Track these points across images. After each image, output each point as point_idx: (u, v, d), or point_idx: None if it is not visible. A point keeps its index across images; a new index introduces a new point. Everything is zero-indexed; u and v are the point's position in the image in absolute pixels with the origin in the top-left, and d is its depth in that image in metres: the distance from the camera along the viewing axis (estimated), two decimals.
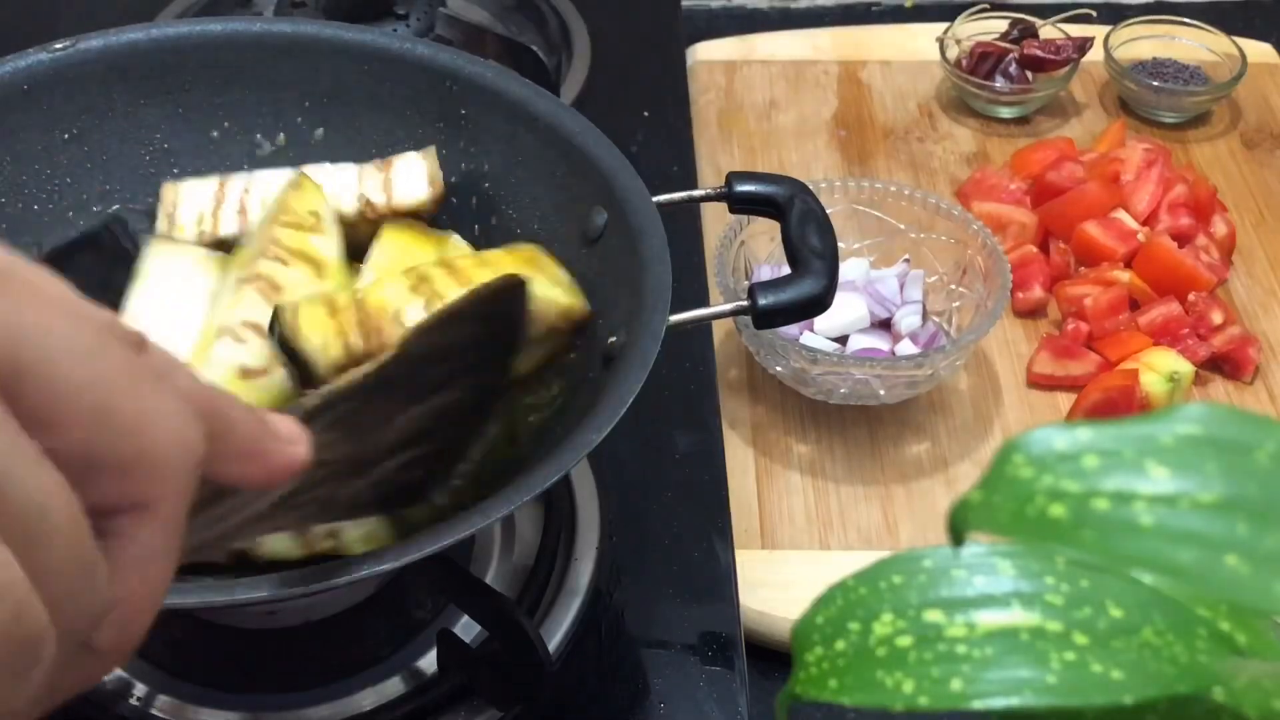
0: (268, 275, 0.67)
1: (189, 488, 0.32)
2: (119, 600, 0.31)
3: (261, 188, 0.74)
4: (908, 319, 0.97)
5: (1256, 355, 1.00)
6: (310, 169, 0.74)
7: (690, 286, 0.95)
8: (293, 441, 0.37)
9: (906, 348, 0.95)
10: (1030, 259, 1.05)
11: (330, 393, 0.46)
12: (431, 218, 0.75)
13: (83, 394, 0.29)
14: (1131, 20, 1.26)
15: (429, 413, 0.53)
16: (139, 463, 0.31)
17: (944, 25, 1.25)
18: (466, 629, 0.71)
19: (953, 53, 1.24)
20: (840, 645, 0.37)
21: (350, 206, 0.73)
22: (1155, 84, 1.21)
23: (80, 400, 0.29)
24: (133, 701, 0.69)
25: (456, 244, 0.74)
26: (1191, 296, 1.01)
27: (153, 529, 0.31)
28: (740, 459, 0.93)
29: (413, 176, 0.73)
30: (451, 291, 0.64)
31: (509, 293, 0.57)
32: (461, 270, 0.66)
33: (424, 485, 0.56)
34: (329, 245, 0.71)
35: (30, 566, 0.27)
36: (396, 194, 0.73)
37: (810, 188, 0.72)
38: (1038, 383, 0.99)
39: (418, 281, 0.65)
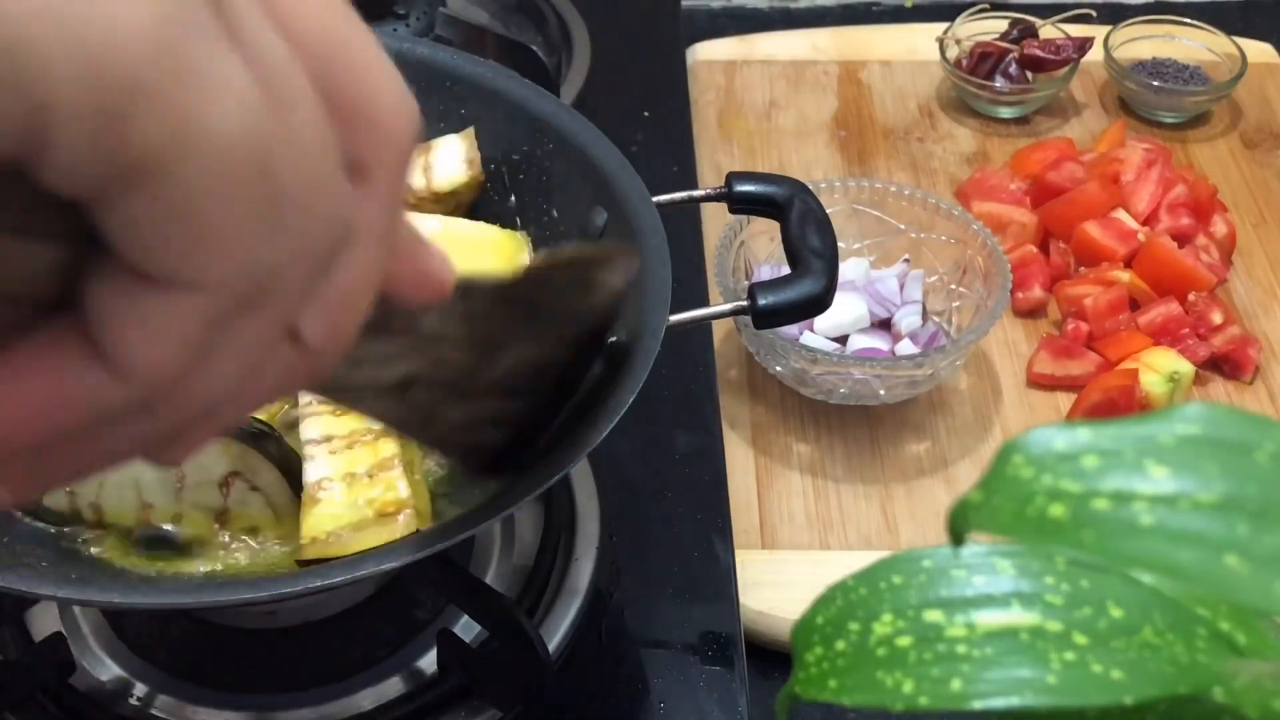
0: None
1: (405, 166, 0.31)
2: (334, 285, 0.30)
3: None
4: (908, 319, 0.97)
5: (1256, 355, 1.00)
6: None
7: (690, 286, 0.95)
8: (444, 260, 0.35)
9: (906, 348, 0.95)
10: (1030, 259, 1.05)
11: (466, 282, 0.43)
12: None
13: (312, 24, 0.29)
14: (1131, 20, 1.26)
15: (533, 361, 0.52)
16: (363, 112, 0.30)
17: (944, 25, 1.25)
18: (466, 629, 0.71)
19: (953, 53, 1.24)
20: (840, 645, 0.37)
21: None
22: (1155, 84, 1.21)
23: (311, 29, 0.29)
24: (133, 701, 0.69)
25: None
26: (1191, 296, 1.01)
27: (370, 206, 0.30)
28: (740, 459, 0.93)
29: (452, 158, 0.74)
30: None
31: (619, 264, 0.54)
32: None
33: (503, 453, 0.55)
34: None
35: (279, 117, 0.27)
36: (436, 176, 0.74)
37: (810, 188, 0.72)
38: (1038, 383, 0.99)
39: None
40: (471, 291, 0.46)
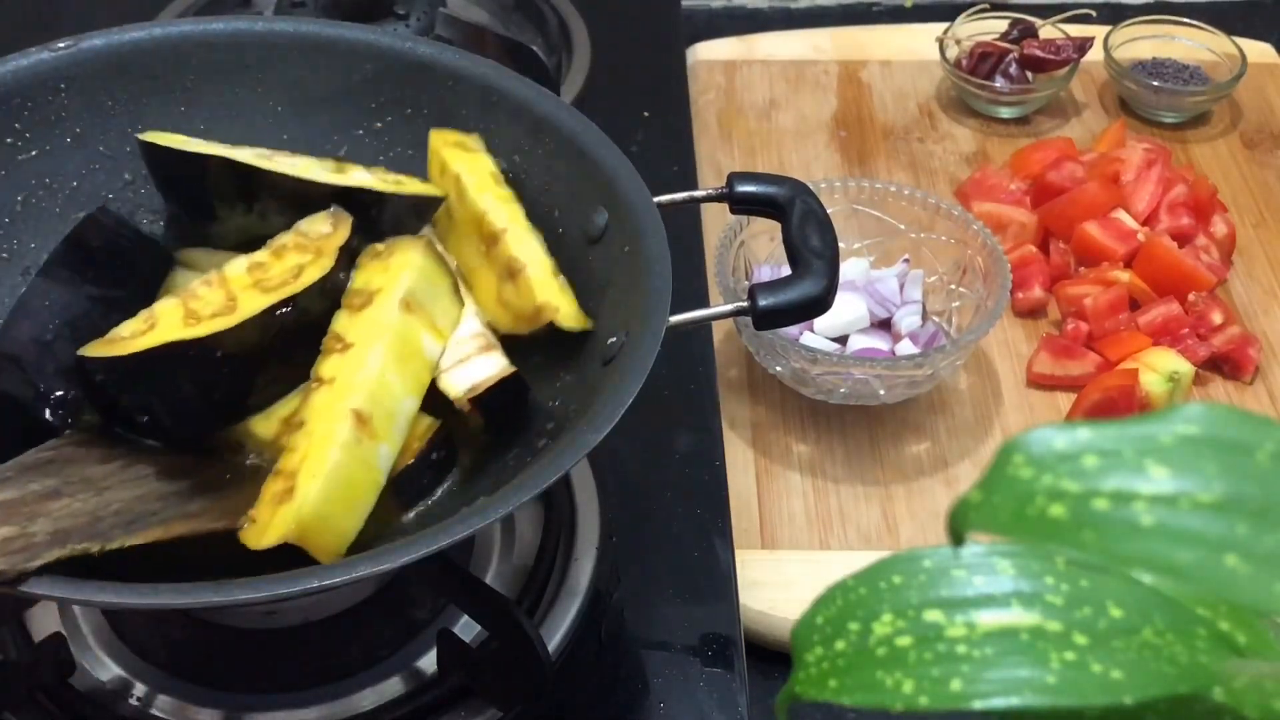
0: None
1: None
2: None
3: None
4: (908, 319, 0.97)
5: (1256, 355, 1.00)
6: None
7: (690, 286, 0.95)
8: None
9: (906, 348, 0.95)
10: (1030, 259, 1.05)
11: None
12: None
13: None
14: (1131, 20, 1.26)
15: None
16: None
17: (944, 25, 1.25)
18: (466, 629, 0.71)
19: (953, 53, 1.24)
20: (840, 645, 0.37)
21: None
22: (1155, 84, 1.21)
23: None
24: (133, 701, 0.69)
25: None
26: (1191, 296, 1.01)
27: None
28: (740, 459, 0.93)
29: (472, 373, 0.67)
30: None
31: None
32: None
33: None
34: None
35: None
36: (453, 376, 0.67)
37: (810, 188, 0.72)
38: (1038, 383, 0.99)
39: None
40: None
